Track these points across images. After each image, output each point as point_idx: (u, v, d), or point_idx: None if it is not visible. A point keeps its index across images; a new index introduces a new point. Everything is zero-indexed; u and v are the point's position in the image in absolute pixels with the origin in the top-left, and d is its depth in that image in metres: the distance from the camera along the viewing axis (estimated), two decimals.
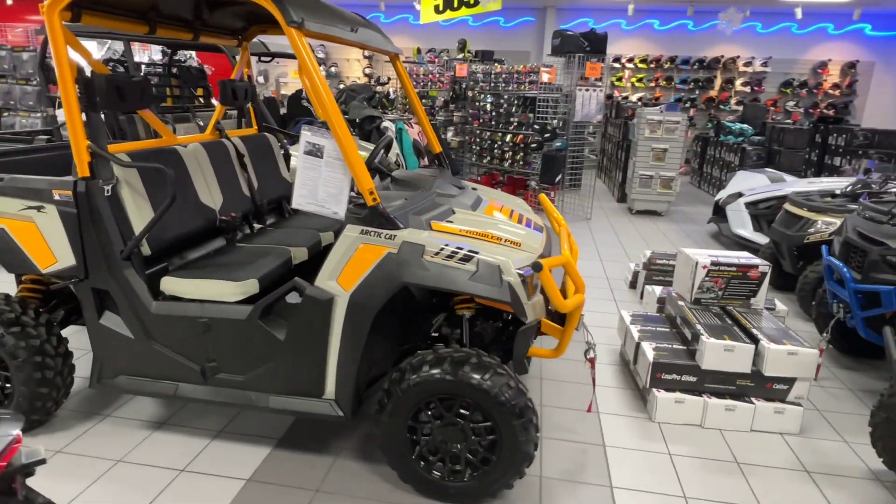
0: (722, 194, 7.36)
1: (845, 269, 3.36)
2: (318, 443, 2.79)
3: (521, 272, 2.21)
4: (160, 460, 2.62)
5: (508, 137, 8.65)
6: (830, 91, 12.94)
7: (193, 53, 8.15)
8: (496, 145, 8.85)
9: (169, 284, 2.44)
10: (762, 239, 6.37)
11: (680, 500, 2.51)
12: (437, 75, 10.05)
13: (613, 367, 3.75)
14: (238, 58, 4.58)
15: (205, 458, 2.65)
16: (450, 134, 9.65)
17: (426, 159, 6.65)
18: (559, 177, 7.76)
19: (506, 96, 8.49)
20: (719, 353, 3.03)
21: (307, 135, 2.19)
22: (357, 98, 6.51)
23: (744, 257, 3.58)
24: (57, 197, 2.34)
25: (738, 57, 13.06)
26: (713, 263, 3.48)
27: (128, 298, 2.41)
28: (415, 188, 2.73)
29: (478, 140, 9.11)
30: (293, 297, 2.32)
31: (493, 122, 8.86)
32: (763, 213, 6.47)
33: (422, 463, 2.37)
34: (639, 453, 2.84)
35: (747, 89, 13.15)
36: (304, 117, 7.17)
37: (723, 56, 13.11)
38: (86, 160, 2.30)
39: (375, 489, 2.48)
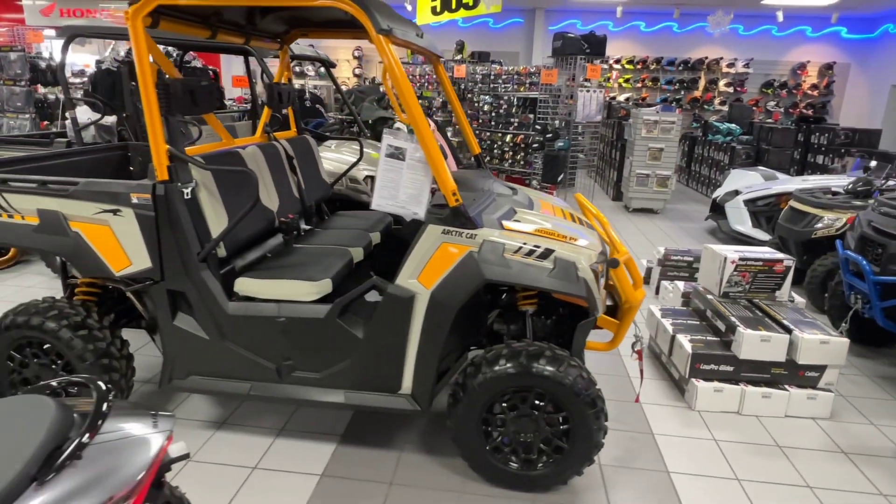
0: (719, 192, 7.61)
1: (865, 263, 3.56)
2: (381, 437, 2.86)
3: (593, 268, 2.32)
4: (230, 459, 2.66)
5: (508, 138, 8.79)
6: (809, 91, 13.40)
7: (194, 54, 8.09)
8: (496, 145, 8.98)
9: (243, 285, 2.49)
10: (761, 235, 6.62)
11: (733, 483, 2.66)
12: (434, 76, 10.13)
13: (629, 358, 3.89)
14: (278, 60, 4.60)
15: (274, 456, 2.70)
16: (448, 134, 9.74)
17: None
18: (561, 176, 7.92)
19: (506, 97, 8.62)
20: (756, 344, 3.19)
21: (389, 138, 2.27)
22: (367, 99, 6.55)
23: (767, 252, 3.76)
24: (135, 200, 2.37)
25: (722, 58, 13.43)
26: (741, 259, 3.65)
27: (203, 300, 2.45)
28: (470, 189, 2.82)
29: (478, 141, 9.23)
30: (371, 296, 2.39)
31: (492, 123, 8.99)
32: (762, 210, 6.72)
33: (495, 454, 2.46)
34: (686, 440, 2.97)
35: (730, 90, 13.53)
36: (311, 119, 7.16)
37: (707, 57, 13.46)
38: (165, 163, 2.33)
39: (447, 481, 2.57)
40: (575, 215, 3.00)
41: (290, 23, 3.34)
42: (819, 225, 4.90)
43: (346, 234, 3.20)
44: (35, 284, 4.80)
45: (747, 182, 7.56)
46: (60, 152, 3.34)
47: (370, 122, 6.14)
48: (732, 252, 3.71)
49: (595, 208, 3.16)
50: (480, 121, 9.14)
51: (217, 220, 2.49)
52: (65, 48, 4.36)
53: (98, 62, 6.58)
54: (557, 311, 2.86)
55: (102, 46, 9.04)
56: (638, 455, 2.83)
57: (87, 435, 1.21)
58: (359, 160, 3.80)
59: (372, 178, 4.59)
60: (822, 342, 3.16)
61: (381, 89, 7.36)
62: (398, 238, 3.61)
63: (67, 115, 4.51)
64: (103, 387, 1.31)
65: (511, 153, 8.79)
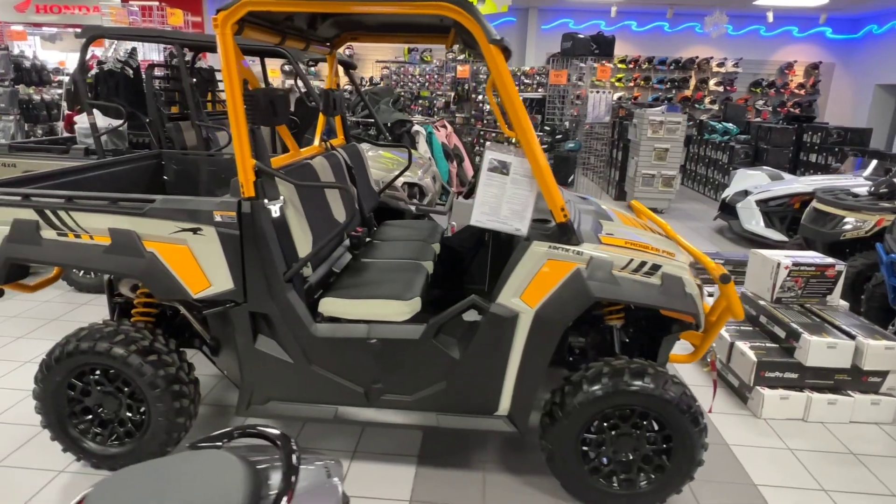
0: (728, 192, 7.68)
1: None
2: (459, 457, 2.78)
3: (698, 282, 2.28)
4: None
5: (515, 139, 8.74)
6: (796, 91, 13.67)
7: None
8: None
9: (329, 306, 2.37)
10: (775, 235, 6.70)
11: (821, 494, 2.64)
12: (434, 76, 10.02)
13: (689, 367, 3.88)
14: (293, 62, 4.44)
15: (355, 480, 2.59)
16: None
17: (455, 163, 6.64)
18: (572, 177, 7.91)
19: None
20: (822, 350, 3.19)
21: (492, 152, 2.17)
22: (382, 101, 6.42)
23: (818, 257, 3.78)
24: (218, 218, 2.23)
25: (712, 58, 13.61)
26: (794, 264, 3.65)
27: (288, 322, 2.33)
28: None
29: (482, 141, 9.16)
30: (469, 315, 2.30)
31: (497, 123, 8.93)
32: (775, 210, 6.80)
33: (593, 474, 2.40)
34: (761, 450, 2.96)
35: (720, 89, 13.72)
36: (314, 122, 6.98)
37: (697, 57, 13.63)
38: (251, 179, 2.20)
39: (539, 502, 2.50)
40: (653, 227, 2.95)
41: (344, 26, 3.22)
42: (847, 227, 4.96)
43: (409, 246, 3.09)
44: (52, 298, 4.56)
45: (754, 182, 7.65)
46: (97, 163, 3.17)
47: (388, 124, 6.02)
48: (784, 257, 3.71)
49: (656, 216, 3.11)
50: (485, 121, 9.08)
51: (303, 238, 2.36)
52: (84, 49, 4.14)
53: (100, 63, 6.30)
54: (638, 323, 2.81)
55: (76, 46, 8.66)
56: (719, 467, 2.80)
57: (284, 499, 1.10)
58: (407, 167, 3.69)
59: (410, 184, 4.48)
60: (887, 348, 3.17)
61: (396, 90, 7.22)
62: (447, 247, 3.51)
63: (80, 120, 4.29)
64: (289, 441, 1.20)
65: None
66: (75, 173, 3.00)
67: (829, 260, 3.73)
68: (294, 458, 1.18)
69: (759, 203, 6.94)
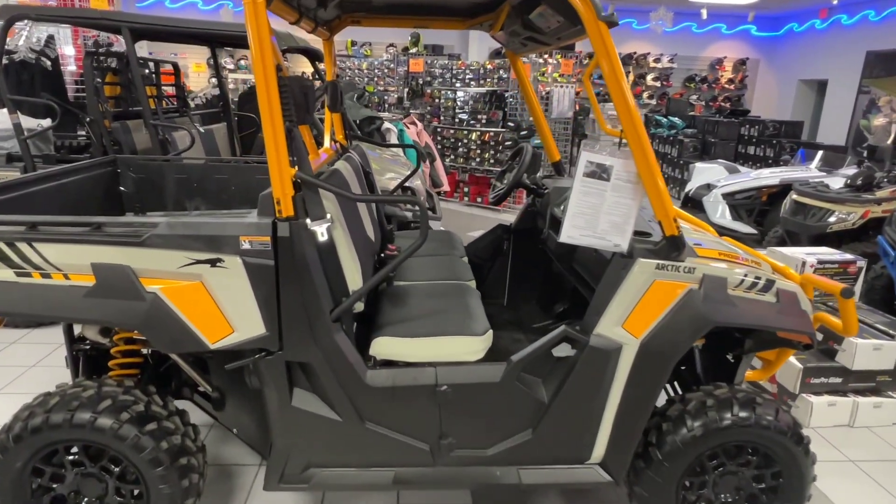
0: (690, 186, 7.72)
1: None
2: None
3: (810, 297, 2.02)
4: None
5: (475, 135, 8.41)
6: (726, 86, 14.24)
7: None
8: (461, 143, 8.57)
9: (384, 347, 1.92)
10: (744, 228, 6.77)
11: None
12: (387, 69, 9.51)
13: None
14: None
15: None
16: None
17: (427, 162, 6.21)
18: (539, 171, 7.67)
19: (472, 93, 8.23)
20: (869, 353, 3.06)
21: (589, 154, 1.80)
22: (347, 96, 5.87)
23: (836, 254, 3.69)
24: (246, 245, 1.72)
25: (649, 53, 13.89)
26: (819, 262, 3.54)
27: (336, 371, 1.85)
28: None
29: (439, 139, 8.76)
30: (560, 349, 1.92)
31: (455, 120, 8.56)
32: (741, 203, 6.87)
33: None
34: (825, 464, 2.78)
35: (658, 84, 14.05)
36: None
37: (635, 52, 13.87)
38: (290, 193, 1.71)
39: None
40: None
41: (345, 7, 2.73)
42: (832, 219, 5.00)
43: (440, 263, 2.67)
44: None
45: (713, 175, 7.74)
46: (42, 175, 2.51)
47: (357, 122, 5.50)
48: (809, 255, 3.59)
49: (694, 219, 2.85)
50: (442, 118, 8.69)
51: (352, 265, 1.89)
52: (3, 33, 3.37)
53: (9, 52, 5.34)
54: (710, 340, 2.54)
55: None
56: None
57: None
58: (416, 170, 3.25)
59: (403, 188, 4.03)
60: None
61: (360, 85, 6.67)
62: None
63: (10, 119, 3.52)
64: None
65: (478, 151, 8.42)
66: (12, 189, 2.33)
67: (849, 256, 3.65)
68: None
69: (726, 196, 7.00)
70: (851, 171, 6.14)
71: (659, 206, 1.77)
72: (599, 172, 1.81)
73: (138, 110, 4.00)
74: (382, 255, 2.40)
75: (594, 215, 1.84)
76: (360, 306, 1.90)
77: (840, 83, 11.90)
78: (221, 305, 1.77)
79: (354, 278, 1.88)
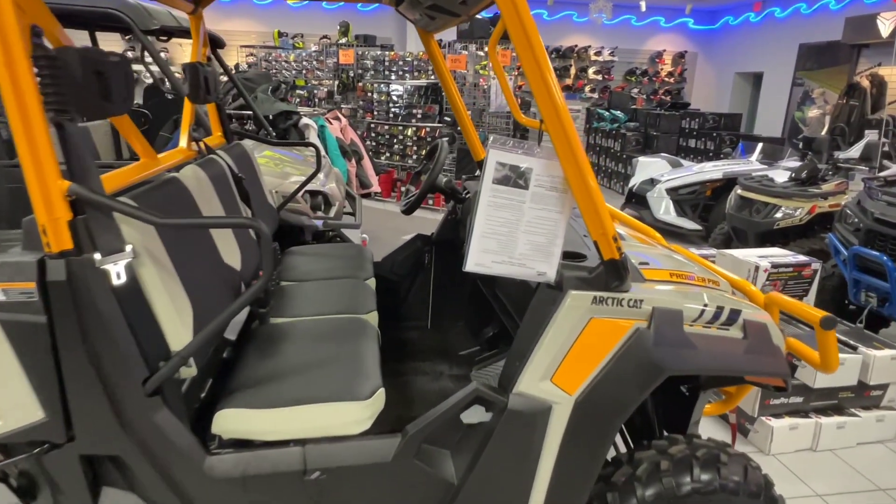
0: (634, 181, 7.46)
1: (888, 260, 3.32)
2: None
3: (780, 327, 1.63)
4: None
5: (411, 131, 7.91)
6: (666, 79, 14.24)
7: None
8: (396, 140, 8.05)
9: (231, 423, 1.39)
10: (688, 224, 6.55)
11: None
12: (315, 61, 8.86)
13: None
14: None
15: None
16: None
17: (353, 161, 5.65)
18: (477, 171, 7.25)
19: (407, 86, 7.72)
20: None
21: (499, 153, 1.33)
22: (259, 89, 5.25)
23: (790, 255, 3.40)
24: (0, 296, 1.16)
25: (590, 46, 13.72)
26: (773, 265, 3.23)
27: (158, 462, 1.32)
28: None
29: (373, 135, 8.21)
30: (473, 415, 1.45)
31: (390, 115, 8.03)
32: (686, 198, 6.64)
33: None
34: (792, 502, 2.44)
35: (599, 77, 13.90)
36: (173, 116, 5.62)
37: (577, 45, 13.67)
38: (64, 217, 1.16)
39: None
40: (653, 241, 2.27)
41: None
42: (779, 215, 4.76)
43: (337, 289, 2.16)
44: None
45: (657, 169, 7.50)
46: None
47: (270, 117, 4.90)
48: (760, 259, 3.28)
49: (633, 220, 2.43)
50: (376, 112, 8.14)
51: (173, 313, 1.35)
52: None
53: None
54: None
55: None
56: None
57: None
58: (316, 171, 2.72)
59: (312, 193, 3.48)
60: (892, 358, 2.81)
61: (274, 76, 6.04)
62: (376, 277, 2.61)
63: None
64: None
65: (415, 148, 7.92)
66: None
67: (803, 258, 3.36)
68: None
69: (670, 191, 6.76)
70: (793, 163, 6.01)
71: (593, 220, 1.32)
72: (514, 178, 1.35)
73: None
74: (254, 281, 1.87)
75: (509, 235, 1.37)
76: (188, 371, 1.37)
77: (775, 76, 12.03)
78: None
79: (178, 332, 1.35)
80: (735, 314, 1.52)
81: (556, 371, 1.41)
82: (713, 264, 2.03)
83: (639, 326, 1.41)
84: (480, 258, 1.38)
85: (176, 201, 1.55)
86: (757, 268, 3.22)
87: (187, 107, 2.14)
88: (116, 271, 1.20)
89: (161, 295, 1.31)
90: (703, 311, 1.48)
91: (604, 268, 1.38)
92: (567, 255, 1.48)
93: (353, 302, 2.02)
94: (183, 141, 2.04)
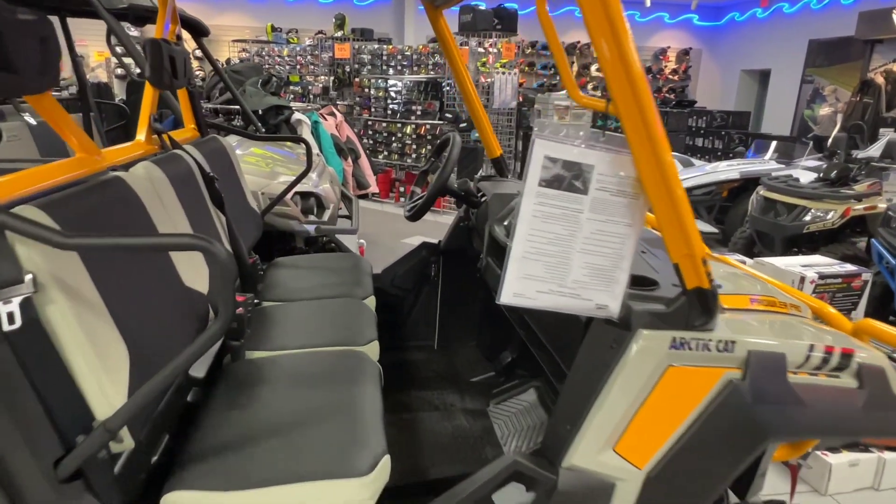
0: None
1: None
2: None
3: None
4: None
5: (410, 128, 7.54)
6: (671, 76, 13.91)
7: None
8: (395, 137, 7.68)
9: None
10: (704, 227, 6.20)
11: None
12: (310, 55, 8.49)
13: None
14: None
15: None
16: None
17: (349, 160, 5.29)
18: (480, 170, 6.91)
19: (406, 82, 7.36)
20: None
21: (546, 144, 0.97)
22: (248, 82, 4.88)
23: (836, 264, 3.06)
24: None
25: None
26: (820, 276, 2.89)
27: None
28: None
29: (370, 133, 7.85)
30: (509, 496, 1.09)
31: (388, 112, 7.67)
32: (700, 199, 6.30)
33: None
34: None
35: (601, 74, 13.54)
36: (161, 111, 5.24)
37: (579, 42, 13.32)
38: None
39: None
40: None
41: None
42: (808, 218, 4.42)
43: (329, 311, 1.80)
44: None
45: None
46: None
47: (260, 112, 4.54)
48: (806, 269, 2.93)
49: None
50: (373, 109, 7.78)
51: (101, 369, 0.98)
52: None
53: None
54: None
55: None
56: None
57: None
58: (307, 170, 2.37)
59: (304, 195, 3.12)
60: None
61: (266, 71, 5.68)
62: (375, 291, 2.25)
63: None
64: None
65: (414, 146, 7.56)
66: None
67: (852, 268, 3.02)
68: None
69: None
70: (812, 162, 5.68)
71: (676, 236, 0.97)
72: (568, 178, 0.99)
73: None
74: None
75: (561, 256, 1.02)
76: (124, 443, 1.01)
77: (783, 73, 11.71)
78: None
79: (104, 392, 0.98)
80: (847, 357, 1.17)
81: (621, 437, 1.06)
82: (772, 279, 1.69)
83: (731, 377, 1.06)
84: (521, 287, 1.02)
85: (115, 209, 1.19)
86: (802, 279, 2.87)
87: (148, 91, 1.78)
88: (8, 311, 0.84)
89: (78, 342, 0.94)
90: (808, 357, 1.12)
91: (687, 300, 1.03)
92: (634, 281, 1.12)
93: (349, 330, 1.66)
94: (141, 134, 1.67)
